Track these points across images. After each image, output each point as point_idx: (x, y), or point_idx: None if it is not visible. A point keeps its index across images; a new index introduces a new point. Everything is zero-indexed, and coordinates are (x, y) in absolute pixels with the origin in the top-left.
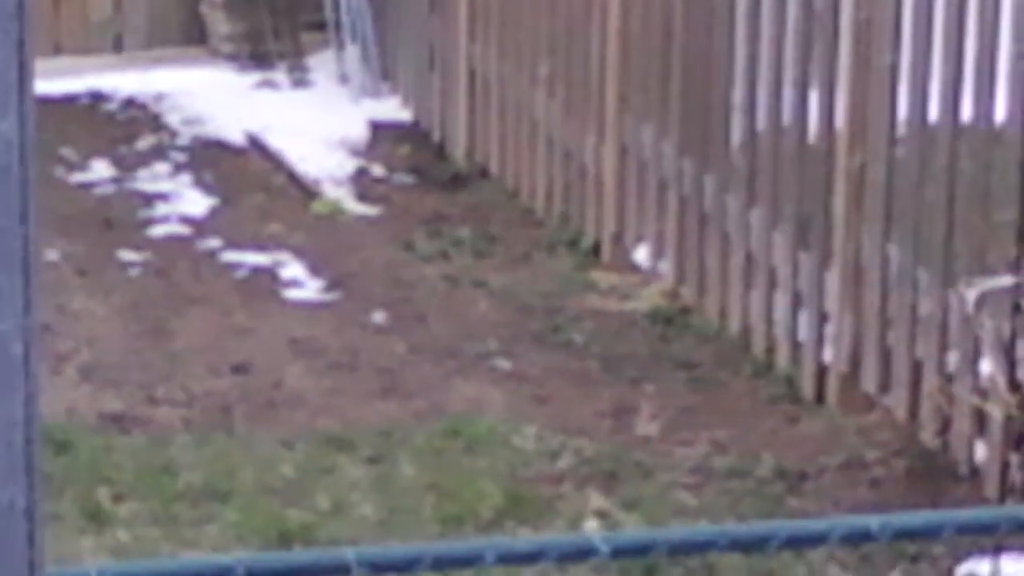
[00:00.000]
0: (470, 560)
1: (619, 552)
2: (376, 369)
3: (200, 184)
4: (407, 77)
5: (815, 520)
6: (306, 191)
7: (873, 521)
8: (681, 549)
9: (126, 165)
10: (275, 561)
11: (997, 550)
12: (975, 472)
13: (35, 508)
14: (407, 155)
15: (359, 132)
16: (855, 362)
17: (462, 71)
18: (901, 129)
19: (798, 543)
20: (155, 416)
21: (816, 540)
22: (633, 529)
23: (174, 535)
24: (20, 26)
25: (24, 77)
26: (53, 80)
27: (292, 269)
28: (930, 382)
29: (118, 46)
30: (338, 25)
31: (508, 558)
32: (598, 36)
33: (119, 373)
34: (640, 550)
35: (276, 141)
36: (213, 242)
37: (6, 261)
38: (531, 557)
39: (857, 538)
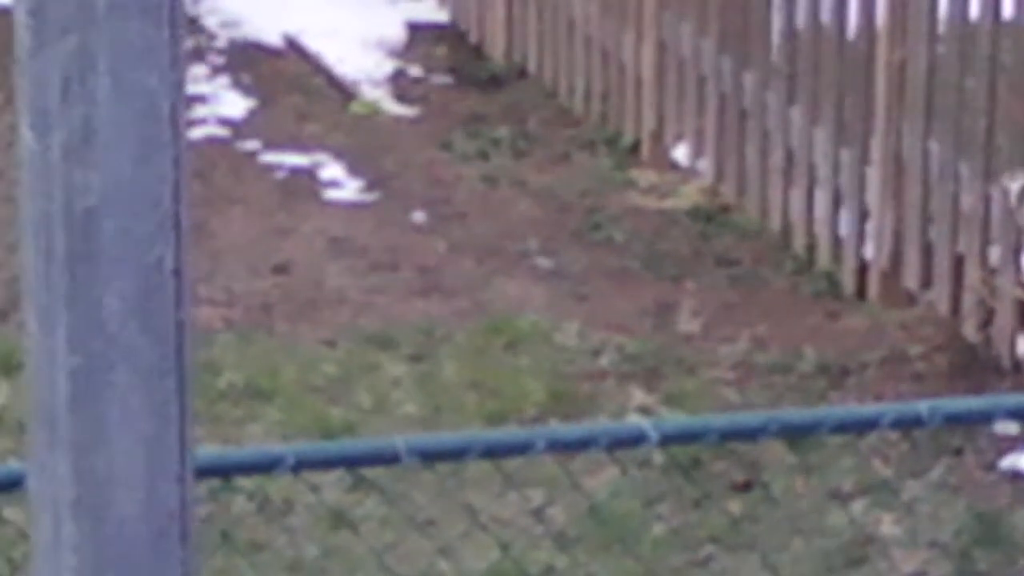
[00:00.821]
0: (520, 448)
1: (668, 439)
2: (416, 268)
3: (238, 86)
4: None
5: (864, 407)
6: (344, 92)
7: (922, 407)
8: (730, 435)
9: None
10: (325, 451)
11: None
12: (1017, 365)
13: (183, 268)
14: (444, 55)
15: (396, 33)
16: (896, 258)
17: None
18: (942, 26)
19: (846, 429)
20: (197, 316)
21: (865, 426)
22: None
23: (217, 434)
24: None
25: None
26: None
27: (331, 170)
28: (972, 276)
29: None
30: None
31: (558, 445)
32: None
33: None
34: (689, 437)
35: (314, 43)
36: (252, 143)
37: (153, 13)
38: (581, 444)
39: (907, 424)
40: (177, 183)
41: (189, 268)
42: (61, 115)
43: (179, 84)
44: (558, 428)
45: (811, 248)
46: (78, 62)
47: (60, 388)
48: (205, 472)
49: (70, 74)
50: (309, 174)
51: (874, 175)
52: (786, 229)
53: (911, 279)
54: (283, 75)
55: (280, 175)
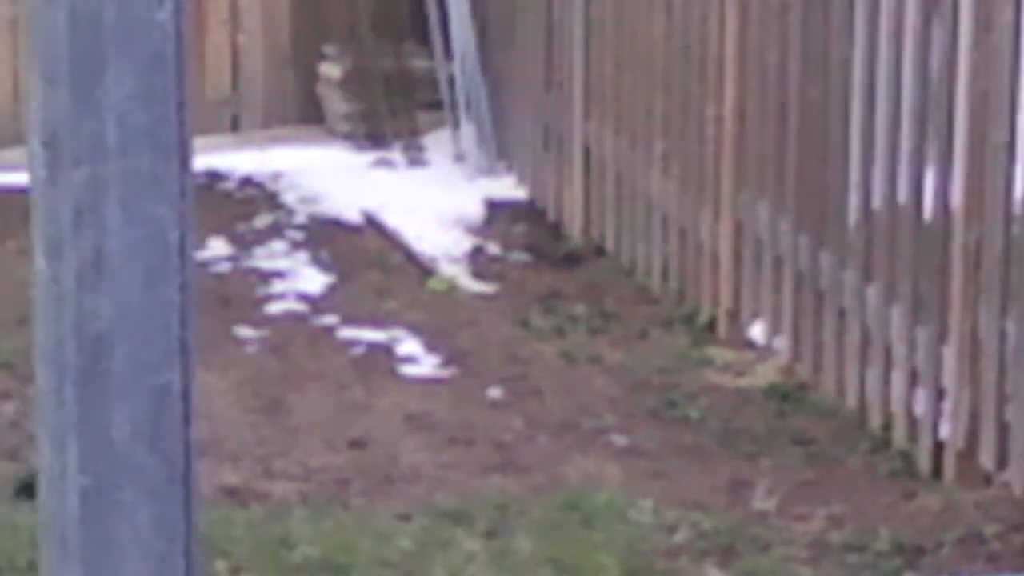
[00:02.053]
0: None
1: None
2: (493, 443)
3: (317, 262)
4: (522, 156)
5: None
6: (422, 269)
7: None
8: None
9: (243, 243)
10: None
11: None
12: None
13: (190, 391)
14: (522, 233)
15: (475, 210)
16: (972, 437)
17: (577, 149)
18: (1017, 206)
19: None
20: (273, 490)
21: None
22: None
23: None
24: None
25: None
26: None
27: (408, 345)
28: None
29: (235, 125)
30: (454, 104)
31: None
32: (713, 114)
33: (237, 447)
34: None
35: (392, 219)
36: (330, 319)
37: (163, 148)
38: None
39: None
40: (184, 309)
41: (197, 390)
42: (73, 243)
43: (187, 214)
44: None
45: (887, 427)
46: (90, 193)
47: (71, 505)
48: None
49: (82, 204)
50: (386, 350)
51: (950, 354)
52: (862, 408)
53: (987, 459)
54: (362, 251)
55: (358, 350)
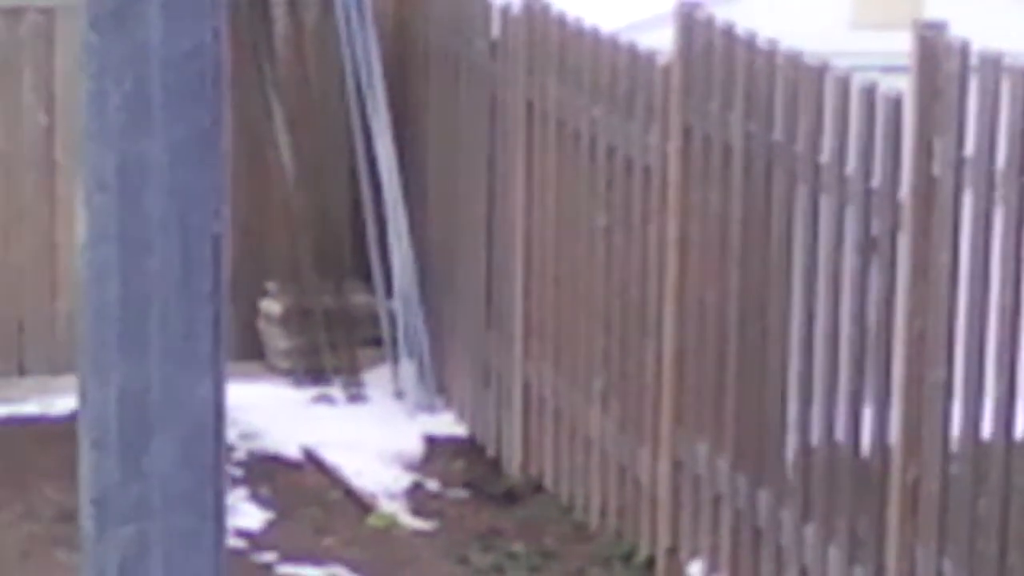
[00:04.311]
0: None
1: None
2: None
3: (255, 498)
4: (462, 392)
5: None
6: (362, 505)
7: None
8: None
9: None
10: None
11: None
12: None
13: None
14: (462, 470)
15: (414, 447)
16: None
17: (517, 386)
18: (955, 444)
19: None
20: None
21: None
22: None
23: None
24: None
25: None
26: None
27: None
28: None
29: None
30: (394, 341)
31: None
32: (653, 352)
33: None
34: None
35: (332, 455)
36: (268, 556)
37: (201, 509)
38: None
39: None
40: None
41: None
42: None
43: (224, 563)
44: None
45: None
46: (135, 548)
47: None
48: None
49: (127, 558)
50: None
51: None
52: None
53: None
54: (301, 487)
55: None
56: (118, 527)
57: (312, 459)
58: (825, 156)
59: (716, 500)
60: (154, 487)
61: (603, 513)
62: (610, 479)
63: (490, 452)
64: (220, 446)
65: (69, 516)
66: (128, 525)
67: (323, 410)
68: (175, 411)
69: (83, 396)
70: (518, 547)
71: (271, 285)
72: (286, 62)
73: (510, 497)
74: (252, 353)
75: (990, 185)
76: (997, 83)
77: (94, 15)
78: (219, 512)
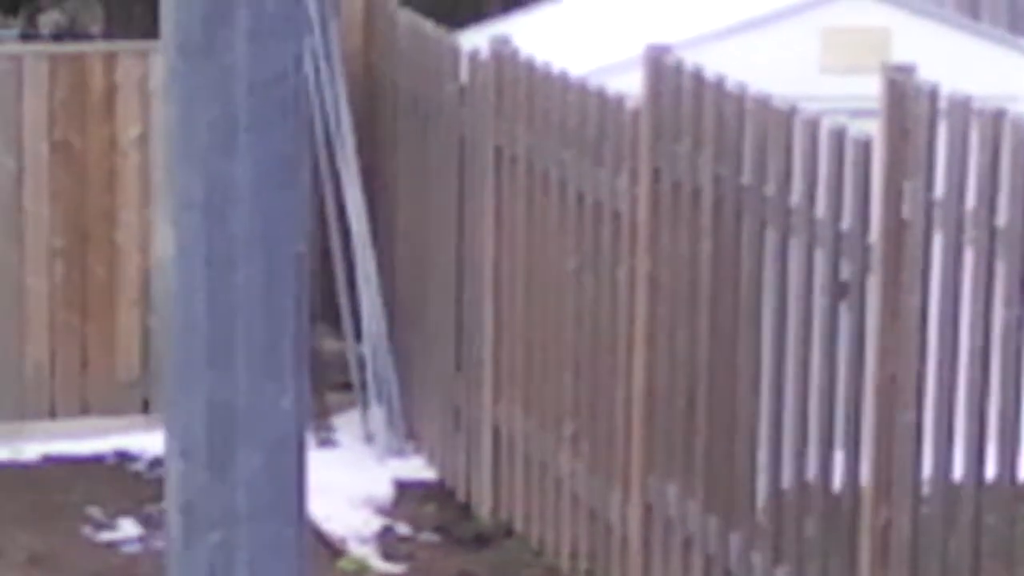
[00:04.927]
0: None
1: None
2: None
3: None
4: (432, 436)
5: None
6: (332, 549)
7: None
8: None
9: (154, 524)
10: None
11: None
12: None
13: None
14: (432, 513)
15: (384, 491)
16: None
17: (487, 430)
18: (926, 486)
19: None
20: None
21: None
22: None
23: None
24: None
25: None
26: (81, 440)
27: None
28: None
29: (146, 407)
30: (364, 386)
31: None
32: (623, 395)
33: None
34: None
35: None
36: None
37: (286, 516)
38: None
39: None
40: None
41: None
42: None
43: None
44: None
45: None
46: (222, 555)
47: None
48: None
49: (215, 565)
50: None
51: None
52: None
53: None
54: None
55: None
56: (205, 534)
57: None
58: (795, 199)
59: (687, 542)
60: (240, 495)
61: (574, 556)
62: (581, 522)
63: (460, 496)
64: (302, 455)
65: (40, 559)
66: (215, 532)
67: None
68: (260, 422)
69: (171, 407)
70: None
71: None
72: None
73: (481, 541)
74: None
75: (960, 228)
76: (966, 126)
77: (181, 42)
78: (302, 519)
